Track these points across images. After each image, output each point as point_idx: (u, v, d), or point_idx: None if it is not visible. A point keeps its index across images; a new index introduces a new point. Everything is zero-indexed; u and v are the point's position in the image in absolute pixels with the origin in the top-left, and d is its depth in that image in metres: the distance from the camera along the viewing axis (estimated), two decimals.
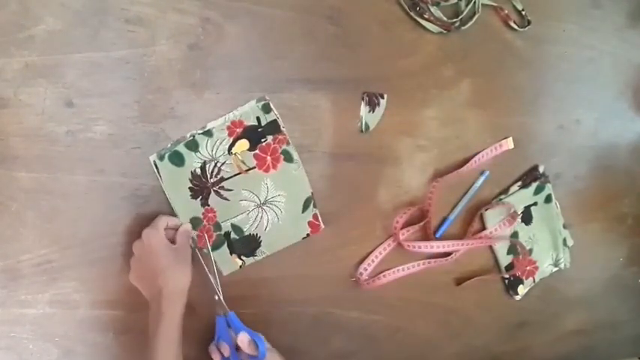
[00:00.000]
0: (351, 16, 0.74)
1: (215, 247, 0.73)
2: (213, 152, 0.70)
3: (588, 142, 0.95)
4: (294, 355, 0.80)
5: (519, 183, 0.90)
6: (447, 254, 0.85)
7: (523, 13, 0.85)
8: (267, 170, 0.72)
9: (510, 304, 0.95)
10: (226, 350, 0.69)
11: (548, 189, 0.92)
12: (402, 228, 0.82)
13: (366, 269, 0.82)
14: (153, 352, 0.61)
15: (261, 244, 0.75)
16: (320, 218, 0.77)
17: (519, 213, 0.90)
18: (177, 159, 0.68)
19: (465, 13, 0.80)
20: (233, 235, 0.73)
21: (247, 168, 0.72)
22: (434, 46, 0.80)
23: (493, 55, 0.84)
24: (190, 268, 0.66)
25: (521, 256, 0.92)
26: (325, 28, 0.73)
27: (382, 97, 0.78)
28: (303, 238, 0.77)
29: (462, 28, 0.80)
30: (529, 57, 0.87)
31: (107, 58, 0.63)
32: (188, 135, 0.68)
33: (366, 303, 0.84)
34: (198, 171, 0.69)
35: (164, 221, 0.66)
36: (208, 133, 0.69)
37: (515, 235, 0.91)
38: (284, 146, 0.73)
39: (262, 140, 0.72)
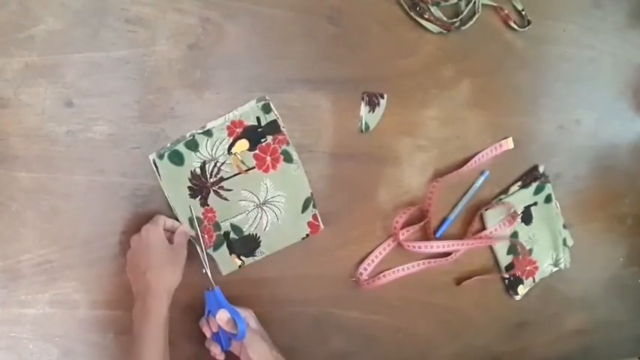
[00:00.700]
0: (351, 16, 0.74)
1: (215, 247, 0.73)
2: (213, 152, 0.70)
3: (588, 142, 0.95)
4: (294, 355, 0.80)
5: (519, 183, 0.90)
6: (447, 254, 0.85)
7: (523, 13, 0.85)
8: (266, 170, 0.72)
9: (510, 304, 0.95)
10: (215, 326, 0.68)
11: (548, 189, 0.92)
12: (402, 228, 0.82)
13: (366, 269, 0.82)
14: (138, 352, 0.60)
15: (261, 244, 0.75)
16: (319, 219, 0.77)
17: (519, 213, 0.90)
18: (177, 158, 0.68)
19: (465, 13, 0.80)
20: (232, 235, 0.73)
21: (247, 168, 0.72)
22: (434, 46, 0.80)
23: (493, 55, 0.84)
24: (182, 270, 0.65)
25: (521, 256, 0.92)
26: (325, 28, 0.73)
27: (382, 97, 0.78)
28: (303, 238, 0.77)
29: (462, 28, 0.80)
30: (529, 57, 0.87)
31: (107, 58, 0.63)
32: (188, 135, 0.68)
33: (366, 303, 0.84)
34: (198, 171, 0.69)
35: (163, 220, 0.67)
36: (208, 133, 0.69)
37: (515, 235, 0.91)
38: (284, 146, 0.73)
39: (262, 140, 0.72)
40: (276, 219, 0.75)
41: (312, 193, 0.76)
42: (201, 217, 0.71)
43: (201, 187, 0.70)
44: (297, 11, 0.71)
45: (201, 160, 0.69)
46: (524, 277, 0.94)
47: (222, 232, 0.72)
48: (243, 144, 0.71)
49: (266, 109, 0.71)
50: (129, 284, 0.67)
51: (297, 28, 0.72)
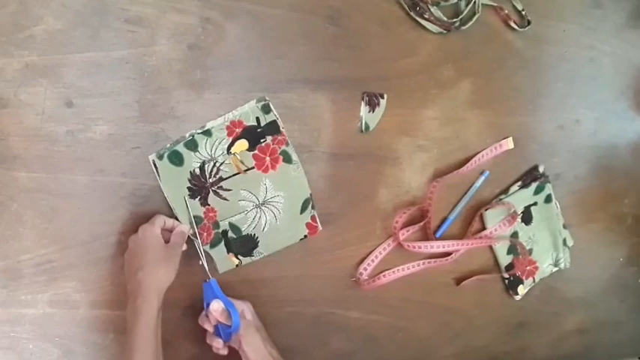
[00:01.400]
0: (351, 16, 0.74)
1: (212, 245, 0.73)
2: (212, 152, 0.70)
3: (588, 142, 0.95)
4: (294, 355, 0.80)
5: (519, 183, 0.90)
6: (447, 254, 0.85)
7: (523, 13, 0.85)
8: (265, 170, 0.72)
9: (510, 304, 0.95)
10: (214, 319, 0.68)
11: (548, 189, 0.92)
12: (401, 228, 0.82)
13: (365, 269, 0.82)
14: (130, 352, 0.60)
15: (259, 244, 0.75)
16: (318, 220, 0.77)
17: (519, 213, 0.90)
18: (177, 159, 0.68)
19: (465, 13, 0.80)
20: (231, 234, 0.73)
21: (246, 168, 0.72)
22: (434, 46, 0.80)
23: (493, 55, 0.84)
24: (175, 270, 0.65)
25: (521, 256, 0.92)
26: (325, 28, 0.73)
27: (382, 97, 0.78)
28: (301, 239, 0.77)
29: (462, 28, 0.80)
30: (529, 57, 0.87)
31: (107, 58, 0.63)
32: (187, 135, 0.68)
33: (366, 303, 0.84)
34: (197, 171, 0.69)
35: (162, 220, 0.66)
36: (207, 133, 0.69)
37: (515, 235, 0.91)
38: (283, 147, 0.73)
39: (261, 141, 0.72)
40: (274, 219, 0.75)
41: (311, 194, 0.76)
42: (202, 216, 0.71)
43: (200, 187, 0.70)
44: (297, 11, 0.71)
45: (201, 161, 0.69)
46: (524, 277, 0.94)
47: (220, 231, 0.72)
48: (242, 144, 0.71)
49: (265, 109, 0.71)
50: None
51: (297, 28, 0.72)
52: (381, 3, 0.76)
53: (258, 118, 0.71)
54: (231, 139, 0.70)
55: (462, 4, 0.80)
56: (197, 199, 0.70)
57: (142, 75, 0.65)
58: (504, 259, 0.92)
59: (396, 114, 0.79)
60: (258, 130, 0.71)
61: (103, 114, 0.64)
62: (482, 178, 0.87)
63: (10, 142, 0.62)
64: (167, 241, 0.66)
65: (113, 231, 0.67)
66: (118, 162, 0.66)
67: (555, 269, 0.96)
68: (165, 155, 0.68)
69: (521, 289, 0.94)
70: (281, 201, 0.74)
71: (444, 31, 0.79)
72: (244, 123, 0.70)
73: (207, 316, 0.69)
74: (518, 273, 0.93)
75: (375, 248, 0.82)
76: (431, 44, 0.80)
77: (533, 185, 0.90)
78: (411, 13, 0.77)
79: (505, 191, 0.90)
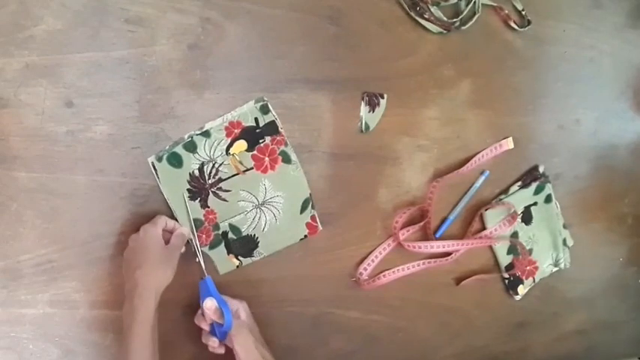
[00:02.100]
0: (351, 16, 0.74)
1: (212, 246, 0.73)
2: (211, 153, 0.69)
3: (588, 142, 0.95)
4: (294, 355, 0.81)
5: (519, 183, 0.90)
6: (447, 254, 0.85)
7: (523, 13, 0.85)
8: (265, 171, 0.72)
9: (510, 304, 0.95)
10: (209, 317, 0.67)
11: (548, 189, 0.92)
12: (401, 228, 0.82)
13: (365, 269, 0.82)
14: (125, 352, 0.60)
15: (259, 245, 0.75)
16: (318, 220, 0.77)
17: (519, 213, 0.90)
18: (176, 160, 0.68)
19: (465, 13, 0.80)
20: (231, 235, 0.73)
21: (245, 169, 0.72)
22: (434, 46, 0.80)
23: (493, 55, 0.84)
24: (173, 271, 0.65)
25: (521, 256, 0.92)
26: (325, 28, 0.73)
27: (382, 97, 0.78)
28: (301, 239, 0.77)
29: (462, 28, 0.80)
30: (529, 57, 0.87)
31: (107, 58, 0.63)
32: (186, 136, 0.68)
33: (366, 303, 0.84)
34: (197, 172, 0.69)
35: (163, 220, 0.67)
36: (206, 134, 0.69)
37: (515, 235, 0.91)
38: (282, 147, 0.73)
39: (260, 141, 0.72)
40: (274, 220, 0.74)
41: (310, 194, 0.76)
42: (203, 218, 0.71)
43: (200, 188, 0.70)
44: (297, 11, 0.71)
45: (200, 162, 0.69)
46: (524, 277, 0.94)
47: (220, 232, 0.72)
48: (241, 145, 0.71)
49: (264, 109, 0.71)
50: None
51: (297, 28, 0.72)
52: (381, 3, 0.76)
53: (256, 119, 0.71)
54: (229, 140, 0.70)
55: (462, 4, 0.80)
56: (197, 201, 0.70)
57: (142, 75, 0.65)
58: (504, 259, 0.92)
59: (396, 114, 0.79)
60: (257, 130, 0.71)
61: (103, 114, 0.64)
62: (482, 178, 0.87)
63: (10, 142, 0.61)
64: (167, 242, 0.66)
65: (113, 231, 0.67)
66: (118, 162, 0.66)
67: (555, 269, 0.96)
68: (165, 157, 0.68)
69: (521, 289, 0.94)
70: (280, 201, 0.74)
71: (444, 31, 0.79)
72: (243, 124, 0.70)
73: (202, 314, 0.69)
74: (518, 273, 0.93)
75: (375, 248, 0.82)
76: (431, 44, 0.80)
77: (533, 185, 0.90)
78: (411, 13, 0.77)
79: (505, 191, 0.90)
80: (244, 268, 0.75)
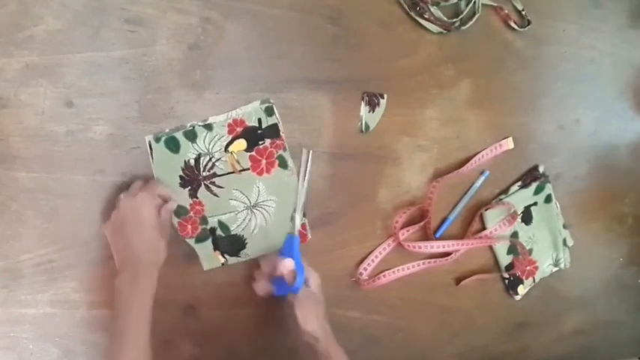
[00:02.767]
0: (351, 16, 0.74)
1: (198, 240, 0.72)
2: (210, 146, 0.69)
3: (588, 142, 0.95)
4: (295, 355, 0.80)
5: (519, 183, 0.90)
6: (447, 254, 0.85)
7: (523, 13, 0.85)
8: (260, 173, 0.72)
9: (510, 304, 0.95)
10: (284, 268, 0.68)
11: (548, 189, 0.92)
12: (401, 228, 0.82)
13: (365, 269, 0.82)
14: (125, 324, 0.58)
15: (246, 246, 0.74)
16: (308, 228, 0.77)
17: (519, 213, 0.90)
18: (173, 145, 0.68)
19: (465, 13, 0.80)
20: (219, 232, 0.72)
21: (241, 168, 0.71)
22: (434, 46, 0.80)
23: (493, 55, 0.84)
24: (167, 246, 0.64)
25: (521, 256, 0.92)
26: (325, 28, 0.73)
27: (382, 97, 0.78)
28: None
29: (462, 28, 0.80)
30: (529, 57, 0.87)
31: (107, 58, 0.63)
32: (188, 125, 0.68)
33: (366, 303, 0.84)
34: (192, 162, 0.69)
35: (158, 187, 0.65)
36: (208, 127, 0.69)
37: (515, 235, 0.91)
38: (280, 152, 0.72)
39: (260, 143, 0.71)
40: (264, 223, 0.74)
41: (303, 202, 0.75)
42: (188, 207, 0.70)
43: (192, 178, 0.70)
44: (297, 11, 0.71)
45: (197, 153, 0.69)
46: (524, 277, 0.94)
47: (208, 227, 0.72)
48: (241, 144, 0.71)
49: (269, 112, 0.71)
50: None
51: (297, 28, 0.72)
52: (381, 3, 0.76)
53: (260, 120, 0.71)
54: (230, 137, 0.70)
55: (462, 4, 0.80)
56: (187, 189, 0.70)
57: (142, 75, 0.65)
58: (504, 259, 0.92)
59: (396, 114, 0.79)
60: (259, 131, 0.71)
61: (103, 114, 0.64)
62: (483, 178, 0.87)
63: (10, 142, 0.62)
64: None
65: None
66: (118, 162, 0.66)
67: (555, 269, 0.96)
68: (163, 139, 0.67)
69: (521, 289, 0.94)
70: (272, 205, 0.74)
71: (444, 31, 0.79)
72: (246, 122, 0.70)
73: (272, 264, 0.70)
74: (518, 273, 0.93)
75: (375, 248, 0.82)
76: (431, 44, 0.80)
77: (533, 185, 0.90)
78: (411, 13, 0.77)
79: (505, 191, 0.90)
80: (244, 267, 0.75)
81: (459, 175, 0.84)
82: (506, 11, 0.83)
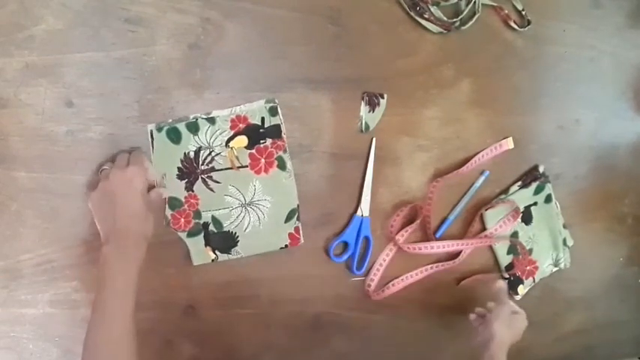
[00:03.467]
0: (351, 16, 0.74)
1: (190, 234, 0.72)
2: (211, 140, 0.69)
3: (588, 142, 0.95)
4: (295, 355, 0.80)
5: (519, 183, 0.90)
6: (450, 255, 0.85)
7: (523, 13, 0.85)
8: (258, 172, 0.72)
9: None
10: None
11: (548, 189, 0.92)
12: (399, 230, 0.82)
13: (372, 280, 0.82)
14: (108, 302, 0.56)
15: (238, 244, 0.74)
16: (301, 232, 0.76)
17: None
18: (175, 135, 0.68)
19: (465, 13, 0.80)
20: (211, 228, 0.72)
21: (239, 165, 0.71)
22: (434, 46, 0.80)
23: (493, 55, 0.84)
24: (153, 225, 0.64)
25: (521, 256, 0.92)
26: (325, 28, 0.73)
27: (382, 97, 0.78)
28: (281, 248, 0.76)
29: (462, 28, 0.80)
30: (529, 57, 0.87)
31: (107, 58, 0.63)
32: (191, 116, 0.68)
33: (366, 303, 0.84)
34: (192, 154, 0.69)
35: (149, 174, 0.65)
36: (211, 120, 0.69)
37: (515, 235, 0.91)
38: (280, 153, 0.72)
39: (261, 141, 0.71)
40: (258, 222, 0.74)
41: (298, 205, 0.75)
42: (183, 200, 0.70)
43: (190, 171, 0.70)
44: (297, 11, 0.71)
45: (198, 145, 0.69)
46: (524, 277, 0.94)
47: (201, 222, 0.72)
48: (242, 140, 0.71)
49: (273, 112, 0.71)
50: None
51: (298, 28, 0.72)
52: (381, 3, 0.76)
53: (263, 119, 0.71)
54: (232, 133, 0.70)
55: (462, 4, 0.80)
56: (183, 182, 0.70)
57: (142, 75, 0.65)
58: (504, 259, 0.92)
59: (396, 114, 0.79)
60: (261, 130, 0.71)
61: (103, 114, 0.64)
62: (483, 178, 0.87)
63: (10, 142, 0.62)
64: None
65: None
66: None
67: (555, 269, 0.96)
68: (165, 129, 0.67)
69: (521, 289, 0.94)
70: (267, 205, 0.74)
71: (444, 31, 0.79)
72: (249, 120, 0.70)
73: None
74: (518, 273, 0.93)
75: (378, 257, 0.82)
76: (431, 44, 0.80)
77: (533, 185, 0.90)
78: (411, 13, 0.77)
79: (505, 191, 0.90)
80: (244, 267, 0.75)
81: (459, 175, 0.84)
82: (506, 11, 0.83)
